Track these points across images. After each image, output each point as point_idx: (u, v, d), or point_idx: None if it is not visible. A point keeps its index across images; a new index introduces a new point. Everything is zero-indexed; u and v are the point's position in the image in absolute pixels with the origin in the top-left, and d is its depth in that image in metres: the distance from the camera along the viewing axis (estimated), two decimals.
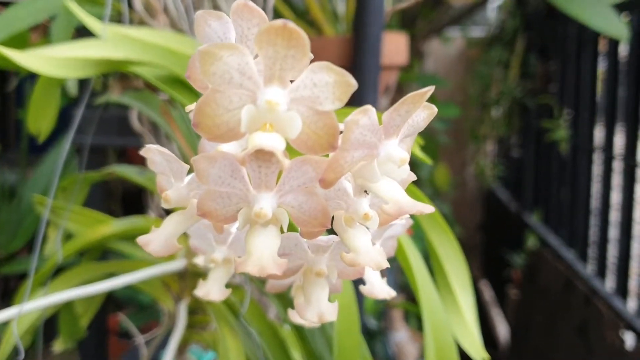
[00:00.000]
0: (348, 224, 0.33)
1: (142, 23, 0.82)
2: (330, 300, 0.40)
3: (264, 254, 0.29)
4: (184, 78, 0.71)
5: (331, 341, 0.64)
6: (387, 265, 0.33)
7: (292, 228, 0.34)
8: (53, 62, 0.63)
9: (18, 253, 1.59)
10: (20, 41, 1.06)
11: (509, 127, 2.32)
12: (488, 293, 2.62)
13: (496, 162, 2.68)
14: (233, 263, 0.46)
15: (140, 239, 0.35)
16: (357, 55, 1.17)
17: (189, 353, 0.82)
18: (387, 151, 0.30)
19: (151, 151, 0.36)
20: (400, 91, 1.80)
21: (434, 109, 0.31)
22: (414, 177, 0.33)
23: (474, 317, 0.65)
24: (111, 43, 0.68)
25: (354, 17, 1.19)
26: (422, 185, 2.21)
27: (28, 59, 0.60)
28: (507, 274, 2.31)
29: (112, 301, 1.55)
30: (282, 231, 0.32)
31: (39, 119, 0.82)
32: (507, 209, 2.52)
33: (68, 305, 0.84)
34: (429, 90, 0.29)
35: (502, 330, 2.23)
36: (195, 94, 0.69)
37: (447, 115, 2.01)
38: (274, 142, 0.26)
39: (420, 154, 0.63)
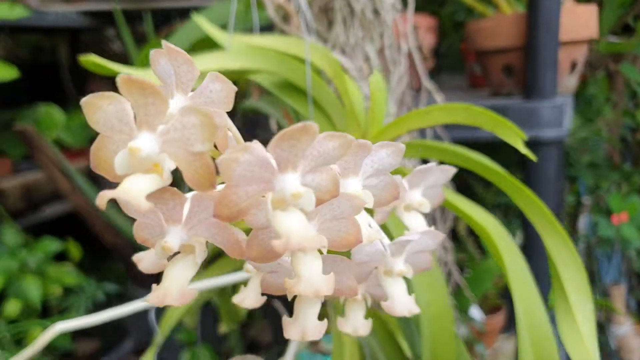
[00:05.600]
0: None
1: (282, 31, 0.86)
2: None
3: (171, 284, 0.31)
4: (294, 82, 0.73)
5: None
6: (328, 292, 0.32)
7: None
8: None
9: None
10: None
11: None
12: None
13: None
14: None
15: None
16: (530, 32, 1.08)
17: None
18: (281, 185, 0.29)
19: None
20: (618, 61, 1.58)
21: (346, 138, 0.29)
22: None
23: (591, 328, 0.58)
24: (230, 54, 0.74)
25: None
26: None
27: (145, 73, 0.68)
28: None
29: None
30: None
31: None
32: None
33: (224, 291, 0.93)
34: (310, 125, 0.27)
35: None
36: (303, 99, 0.72)
37: None
38: (137, 185, 0.27)
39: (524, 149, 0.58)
